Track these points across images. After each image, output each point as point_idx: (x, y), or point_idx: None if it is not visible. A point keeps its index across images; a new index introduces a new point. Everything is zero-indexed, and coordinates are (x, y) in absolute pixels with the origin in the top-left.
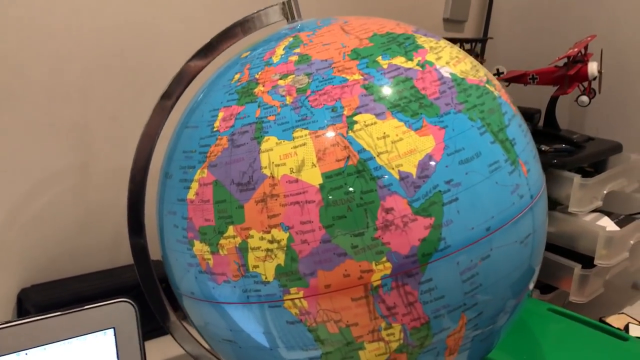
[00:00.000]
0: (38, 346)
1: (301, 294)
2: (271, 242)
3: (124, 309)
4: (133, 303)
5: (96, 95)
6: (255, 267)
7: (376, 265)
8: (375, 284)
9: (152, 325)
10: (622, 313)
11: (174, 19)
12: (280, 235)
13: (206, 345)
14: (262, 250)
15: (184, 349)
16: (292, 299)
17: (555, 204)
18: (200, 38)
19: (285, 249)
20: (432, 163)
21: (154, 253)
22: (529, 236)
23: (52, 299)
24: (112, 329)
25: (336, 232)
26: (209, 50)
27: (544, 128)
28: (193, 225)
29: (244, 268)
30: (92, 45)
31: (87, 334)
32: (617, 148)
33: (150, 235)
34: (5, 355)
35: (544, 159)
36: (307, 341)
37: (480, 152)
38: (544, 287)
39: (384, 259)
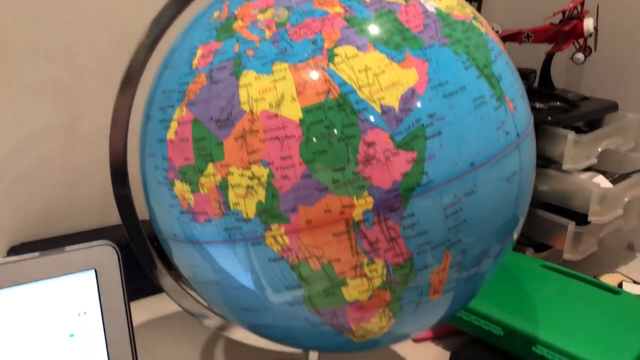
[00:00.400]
0: (16, 285)
1: (282, 231)
2: (251, 178)
3: (105, 252)
4: (115, 246)
5: (82, 52)
6: (236, 204)
7: (357, 200)
8: (356, 219)
9: (138, 285)
10: (616, 272)
11: None
12: (260, 171)
13: (194, 294)
14: (242, 187)
15: (171, 297)
16: (273, 236)
17: (550, 162)
18: None
19: (265, 185)
20: (415, 96)
21: (142, 213)
22: (515, 174)
23: None
24: (93, 271)
25: (317, 167)
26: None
27: (539, 87)
28: (173, 165)
29: (224, 206)
30: (76, 1)
31: (66, 275)
32: (612, 107)
33: (137, 194)
34: None
35: (538, 116)
36: (290, 279)
37: (465, 86)
38: (538, 246)
39: (366, 193)
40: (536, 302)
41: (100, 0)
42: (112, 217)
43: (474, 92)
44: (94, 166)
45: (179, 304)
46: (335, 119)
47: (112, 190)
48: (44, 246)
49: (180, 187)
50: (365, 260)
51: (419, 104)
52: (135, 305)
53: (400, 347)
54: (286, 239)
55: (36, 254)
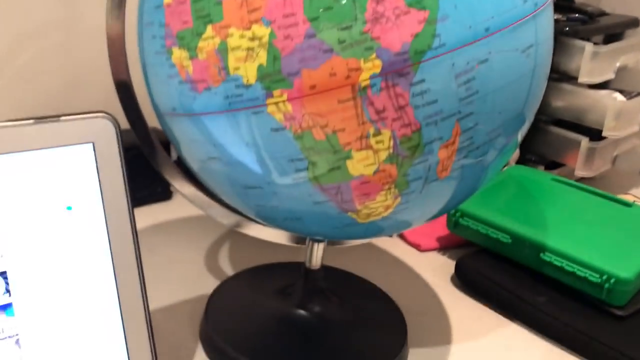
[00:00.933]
0: (7, 153)
1: (285, 97)
2: (252, 39)
3: (103, 125)
4: (114, 119)
5: None
6: (236, 69)
7: (365, 62)
8: (363, 83)
9: (144, 191)
10: (629, 193)
11: None
12: (262, 31)
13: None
14: (242, 50)
15: (173, 186)
16: (275, 103)
17: (564, 76)
18: None
19: (267, 46)
20: None
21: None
22: (531, 47)
23: None
24: (91, 144)
25: (322, 25)
26: None
27: (558, 0)
28: (171, 31)
29: (224, 71)
30: None
31: (63, 146)
32: (633, 23)
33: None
34: None
35: (555, 27)
36: (292, 150)
37: None
38: (549, 164)
39: (373, 55)
40: (545, 213)
41: None
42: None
43: None
44: (93, 64)
45: (179, 191)
46: None
47: (112, 77)
48: None
49: (178, 54)
50: (372, 131)
51: None
52: (140, 211)
53: (406, 257)
54: (289, 106)
55: (31, 120)
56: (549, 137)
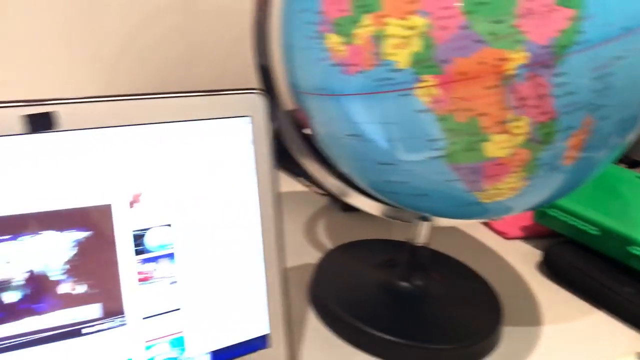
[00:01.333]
0: (179, 121)
1: (434, 82)
2: (408, 28)
3: (259, 100)
4: (268, 95)
5: None
6: (390, 55)
7: (513, 53)
8: (509, 73)
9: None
10: None
11: None
12: (419, 21)
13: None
14: (398, 38)
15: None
16: (424, 87)
17: None
18: None
19: (422, 35)
20: None
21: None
22: None
23: None
24: (250, 117)
25: (476, 18)
26: None
27: None
28: (327, 18)
29: (378, 56)
30: None
31: (225, 118)
32: None
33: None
34: (144, 124)
35: None
36: (433, 131)
37: None
38: (632, 162)
39: (521, 47)
40: (632, 206)
41: None
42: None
43: None
44: (209, 47)
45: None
46: None
47: (254, 60)
48: None
49: (333, 39)
50: (512, 116)
51: None
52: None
53: (492, 243)
54: (437, 91)
55: (200, 92)
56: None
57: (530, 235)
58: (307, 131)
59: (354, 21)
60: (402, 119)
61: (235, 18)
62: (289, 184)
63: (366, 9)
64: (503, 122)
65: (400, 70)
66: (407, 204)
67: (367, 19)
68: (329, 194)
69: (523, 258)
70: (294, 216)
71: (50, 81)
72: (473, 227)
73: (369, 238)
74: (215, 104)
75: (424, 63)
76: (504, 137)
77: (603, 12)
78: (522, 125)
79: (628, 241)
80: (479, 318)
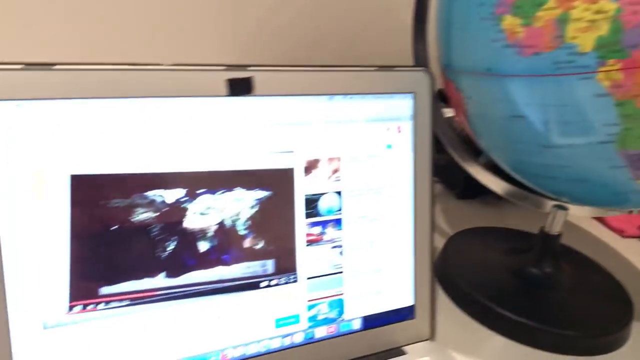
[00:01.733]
0: (348, 94)
1: (619, 66)
2: (597, 12)
3: (423, 78)
4: (430, 73)
5: None
6: (574, 37)
7: None
8: None
9: None
10: None
11: None
12: (609, 6)
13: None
14: (584, 21)
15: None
16: (607, 71)
17: None
18: None
19: (611, 19)
20: None
21: None
22: None
23: None
24: (412, 94)
25: None
26: None
27: None
28: (505, 1)
29: (560, 39)
30: None
31: (392, 93)
32: None
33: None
34: (319, 94)
35: None
36: (610, 116)
37: None
38: None
39: None
40: None
41: None
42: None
43: None
44: (335, 26)
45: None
46: None
47: (413, 47)
48: None
49: (510, 21)
50: None
51: None
52: None
53: (609, 240)
54: (620, 75)
55: (373, 67)
56: None
57: None
58: (449, 113)
59: (538, 4)
60: (578, 102)
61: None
62: None
63: None
64: None
65: (582, 53)
66: (561, 190)
67: (552, 2)
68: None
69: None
70: None
71: (189, 49)
72: (589, 224)
73: (486, 226)
74: (384, 79)
75: (609, 47)
76: None
77: None
78: None
79: None
80: (610, 311)
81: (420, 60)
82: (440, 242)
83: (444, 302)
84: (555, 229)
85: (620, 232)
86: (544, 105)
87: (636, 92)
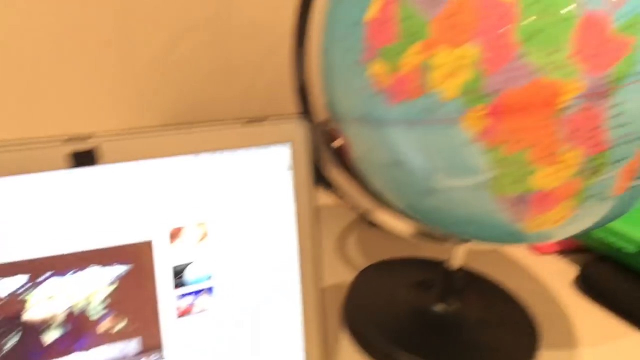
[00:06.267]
0: (218, 151)
1: (483, 113)
2: (459, 58)
3: (299, 126)
4: (307, 120)
5: None
6: (438, 84)
7: (567, 85)
8: (562, 105)
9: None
10: None
11: None
12: (470, 51)
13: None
14: (447, 67)
15: (332, 191)
16: (472, 118)
17: None
18: None
19: (473, 65)
20: None
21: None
22: None
23: None
24: (289, 144)
25: (530, 49)
26: None
27: None
28: (371, 46)
29: (424, 86)
30: None
31: (265, 146)
32: None
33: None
34: (181, 155)
35: None
36: (479, 163)
37: None
38: None
39: (576, 79)
40: None
41: None
42: (254, 109)
43: None
44: (243, 60)
45: (340, 193)
46: (553, 1)
47: (293, 82)
48: None
49: (377, 68)
50: (563, 148)
51: None
52: None
53: (526, 259)
54: (485, 122)
55: (240, 123)
56: None
57: (564, 250)
58: (338, 143)
59: (402, 50)
60: (447, 149)
61: (269, 31)
62: (320, 197)
63: (415, 37)
64: (554, 154)
65: (447, 100)
66: (454, 230)
67: (415, 48)
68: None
69: (559, 275)
70: (324, 230)
71: (81, 101)
72: None
73: (399, 254)
74: (255, 132)
75: (473, 93)
76: (553, 168)
77: None
78: (574, 157)
79: None
80: (515, 343)
81: (302, 99)
82: (353, 277)
83: (349, 348)
84: (456, 262)
85: (537, 250)
86: (418, 152)
87: (504, 138)
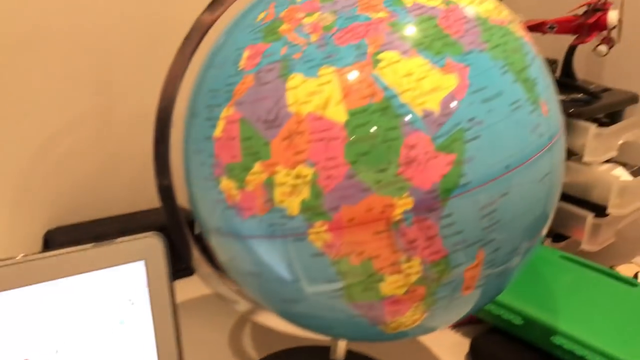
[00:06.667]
0: (68, 276)
1: (325, 228)
2: (297, 177)
3: (153, 243)
4: (162, 237)
5: (118, 40)
6: (281, 202)
7: (398, 200)
8: (397, 218)
9: (177, 266)
10: (632, 262)
11: None
12: (306, 171)
13: (229, 283)
14: (288, 186)
15: (208, 286)
16: (316, 233)
17: (570, 154)
18: None
19: (310, 184)
20: (455, 101)
21: (180, 197)
22: (547, 175)
23: (77, 240)
24: (143, 261)
25: (360, 168)
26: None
27: (561, 78)
28: (220, 162)
29: (270, 203)
30: None
31: (117, 266)
32: (633, 99)
33: (175, 178)
34: (35, 284)
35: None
36: (329, 273)
37: (502, 91)
38: (556, 236)
39: (406, 194)
40: (555, 293)
41: None
42: (144, 202)
43: (511, 96)
44: (127, 152)
45: (215, 291)
46: (378, 122)
47: (155, 181)
48: (78, 230)
49: (226, 183)
50: (404, 258)
51: (459, 109)
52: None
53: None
54: (328, 236)
55: (89, 245)
56: (556, 211)
57: (459, 322)
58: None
59: (246, 168)
60: (301, 261)
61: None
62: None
63: (256, 156)
64: (395, 264)
65: (292, 216)
66: (320, 332)
67: (257, 167)
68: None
69: (452, 349)
70: (216, 323)
71: None
72: None
73: (295, 342)
74: (108, 252)
75: (313, 210)
76: (398, 277)
77: (484, 154)
78: (415, 265)
79: (551, 331)
80: None
81: (166, 198)
82: None
83: None
84: (340, 355)
85: None
86: (272, 265)
87: (347, 250)
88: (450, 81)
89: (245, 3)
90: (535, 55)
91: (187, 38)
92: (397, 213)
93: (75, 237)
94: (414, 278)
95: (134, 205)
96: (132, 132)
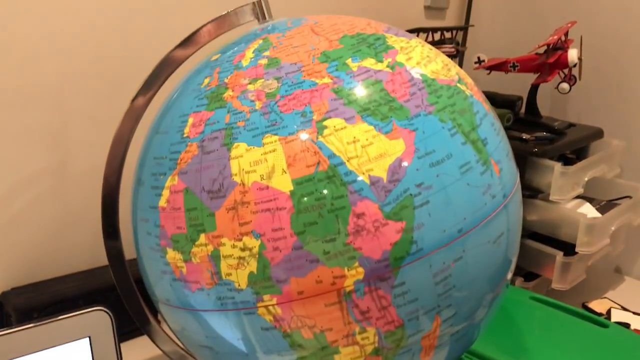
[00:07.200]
0: (13, 359)
1: (274, 301)
2: (243, 249)
3: (99, 318)
4: (108, 311)
5: (72, 96)
6: (228, 274)
7: (348, 270)
8: (348, 289)
9: (130, 326)
10: (605, 297)
11: (148, 19)
12: (252, 242)
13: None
14: (234, 258)
15: (162, 351)
16: (265, 306)
17: (536, 192)
18: (176, 37)
19: (257, 256)
20: (403, 166)
21: (132, 253)
22: (502, 235)
23: (33, 302)
24: (87, 338)
25: (308, 238)
26: (172, 62)
27: (525, 115)
28: (165, 232)
29: (217, 276)
30: (66, 46)
31: (62, 344)
32: (598, 134)
33: (126, 237)
34: None
35: (525, 147)
36: (282, 346)
37: (452, 153)
38: (527, 274)
39: (356, 264)
40: (525, 336)
41: (89, 45)
42: (103, 257)
43: (460, 158)
44: (85, 208)
45: (167, 354)
46: (325, 191)
47: (104, 244)
48: (34, 290)
49: (172, 255)
50: (357, 329)
51: (406, 174)
52: (127, 346)
53: None
54: (278, 310)
55: (31, 324)
56: (525, 250)
57: None
58: None
59: (191, 239)
60: (251, 336)
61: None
62: None
63: (201, 228)
64: (350, 335)
65: (240, 290)
66: None
67: (202, 238)
68: None
69: None
70: None
71: None
72: None
73: None
74: (50, 331)
75: (261, 283)
76: (353, 348)
77: (434, 220)
78: (370, 336)
79: None
80: None
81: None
82: None
83: None
84: None
85: None
86: (222, 338)
87: (297, 324)
88: (397, 147)
89: (194, 66)
90: (485, 113)
91: (134, 100)
92: (348, 284)
93: (31, 298)
94: (369, 349)
95: (92, 261)
96: (88, 187)
